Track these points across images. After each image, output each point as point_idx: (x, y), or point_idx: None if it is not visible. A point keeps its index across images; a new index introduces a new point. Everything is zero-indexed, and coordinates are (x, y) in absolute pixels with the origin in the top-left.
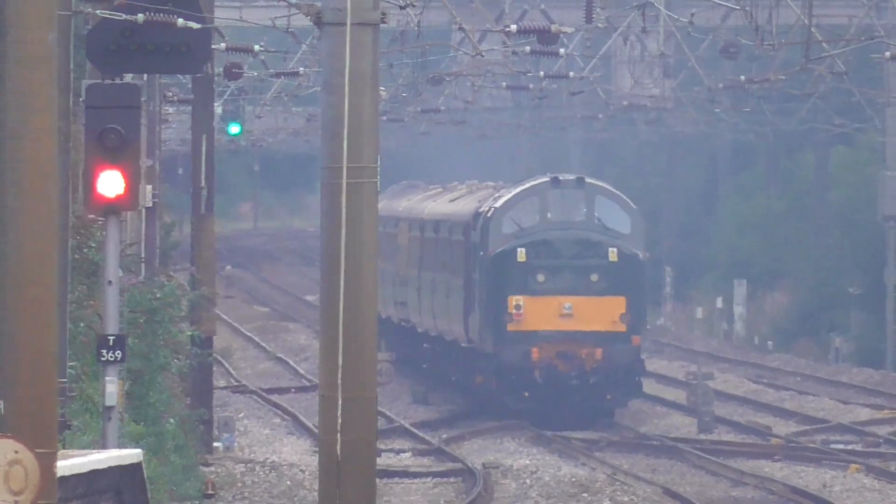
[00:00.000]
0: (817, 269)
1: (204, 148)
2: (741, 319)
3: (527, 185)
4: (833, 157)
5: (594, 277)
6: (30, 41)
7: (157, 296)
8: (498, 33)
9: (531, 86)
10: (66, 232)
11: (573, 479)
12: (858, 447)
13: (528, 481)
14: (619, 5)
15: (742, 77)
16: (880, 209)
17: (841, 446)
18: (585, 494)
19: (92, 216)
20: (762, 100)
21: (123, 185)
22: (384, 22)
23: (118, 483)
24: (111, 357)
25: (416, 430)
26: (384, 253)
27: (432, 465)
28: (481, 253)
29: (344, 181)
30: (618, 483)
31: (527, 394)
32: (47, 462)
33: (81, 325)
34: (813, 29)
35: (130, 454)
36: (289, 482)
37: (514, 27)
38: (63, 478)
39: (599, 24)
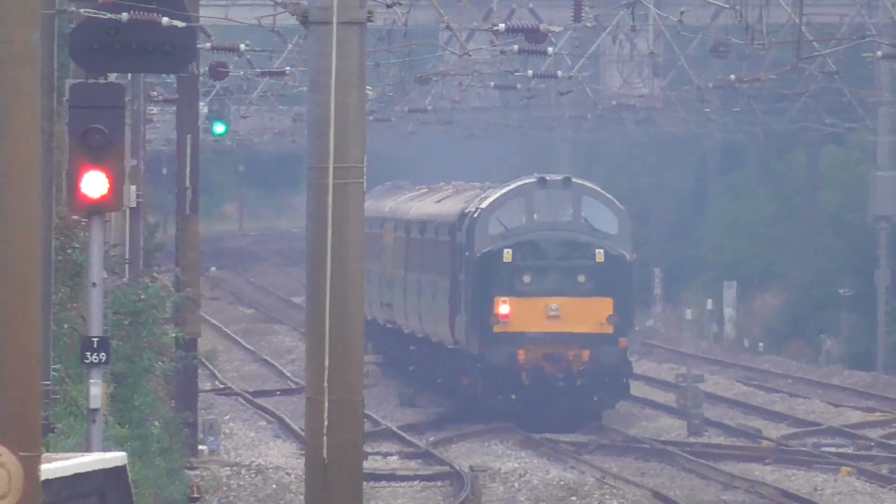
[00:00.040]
0: (808, 271)
1: (189, 148)
2: (731, 321)
3: (513, 186)
4: (824, 157)
5: (581, 278)
6: (13, 40)
7: (142, 297)
8: (486, 32)
9: (519, 85)
10: (49, 233)
11: (562, 483)
12: (850, 450)
13: (516, 485)
14: (607, 4)
15: (732, 76)
16: (871, 210)
17: (832, 449)
18: (574, 498)
19: (75, 217)
20: (752, 99)
21: (107, 185)
22: (371, 21)
23: (102, 486)
24: (95, 359)
25: (403, 433)
26: (370, 254)
27: (419, 468)
28: (467, 254)
29: (330, 181)
30: (607, 487)
31: (513, 396)
32: (31, 465)
33: (65, 326)
34: (804, 28)
35: (115, 457)
36: (275, 486)
37: (502, 26)
38: (47, 481)
39: (588, 23)
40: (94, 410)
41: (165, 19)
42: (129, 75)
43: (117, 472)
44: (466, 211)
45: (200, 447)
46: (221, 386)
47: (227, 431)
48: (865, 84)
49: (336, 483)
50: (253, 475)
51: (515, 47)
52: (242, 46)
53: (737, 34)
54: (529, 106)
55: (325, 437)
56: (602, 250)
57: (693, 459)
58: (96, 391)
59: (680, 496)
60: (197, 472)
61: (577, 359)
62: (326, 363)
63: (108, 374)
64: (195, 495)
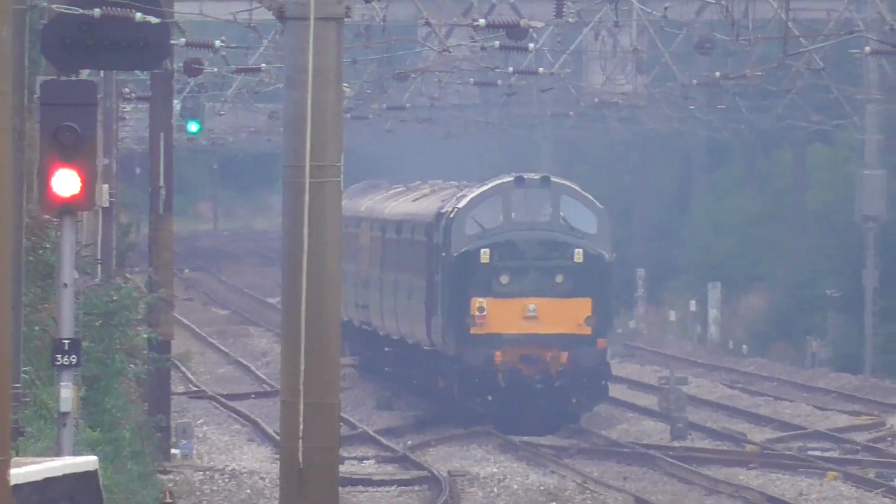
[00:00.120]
0: (794, 271)
1: (162, 146)
2: (715, 323)
3: (490, 185)
4: (810, 155)
5: (559, 279)
6: None
7: (114, 298)
8: (466, 28)
9: (500, 82)
10: (19, 233)
11: (542, 488)
12: (836, 454)
13: (495, 490)
14: None
15: (717, 73)
16: (859, 209)
17: (818, 453)
18: (555, 503)
19: (47, 216)
20: (738, 96)
21: (79, 184)
22: (348, 16)
23: (73, 491)
24: (66, 361)
25: (380, 437)
26: (345, 254)
27: (397, 472)
28: (444, 254)
29: (307, 180)
30: (588, 491)
31: (490, 398)
32: (0, 470)
33: (36, 328)
34: (790, 23)
35: (86, 461)
36: (249, 490)
37: (482, 21)
38: (16, 486)
39: (570, 19)
40: (65, 414)
41: (139, 15)
42: (102, 72)
43: (88, 477)
44: (443, 210)
45: (173, 451)
46: (195, 389)
47: (201, 435)
48: (853, 81)
49: (312, 488)
50: (227, 480)
51: (496, 43)
52: (217, 43)
53: (722, 30)
54: (510, 103)
55: (300, 441)
56: (581, 250)
57: (676, 464)
58: (67, 394)
59: (662, 501)
60: (170, 476)
61: (554, 360)
62: (302, 365)
63: (79, 376)
64: (168, 500)
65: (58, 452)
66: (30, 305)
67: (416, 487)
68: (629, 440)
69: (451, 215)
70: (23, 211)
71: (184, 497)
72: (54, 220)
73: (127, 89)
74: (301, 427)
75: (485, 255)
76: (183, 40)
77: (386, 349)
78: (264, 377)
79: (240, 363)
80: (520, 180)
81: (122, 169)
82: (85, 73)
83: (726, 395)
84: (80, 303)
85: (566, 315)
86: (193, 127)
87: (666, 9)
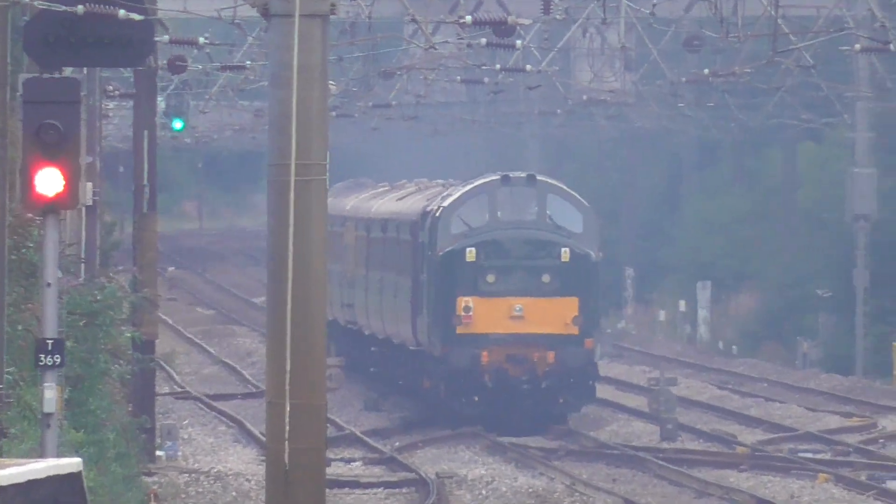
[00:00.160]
0: (784, 271)
1: (146, 144)
2: (705, 323)
3: (476, 184)
4: (801, 153)
5: (546, 278)
6: None
7: (98, 298)
8: (452, 25)
9: (486, 79)
10: (2, 231)
11: (530, 490)
12: (827, 456)
13: (483, 492)
14: None
15: (706, 70)
16: (849, 208)
17: (809, 455)
18: None
19: (30, 215)
20: (727, 94)
21: (62, 182)
22: (334, 13)
23: (57, 493)
24: (50, 362)
25: (367, 439)
26: (331, 253)
27: (384, 474)
28: (429, 253)
29: (292, 178)
30: (577, 493)
31: (476, 398)
32: None
33: (19, 328)
34: (780, 20)
35: (70, 463)
36: (234, 493)
37: (468, 18)
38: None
39: (557, 16)
40: (49, 415)
41: (122, 12)
42: (85, 69)
43: (72, 479)
44: (429, 209)
45: (158, 453)
46: (179, 389)
47: (186, 437)
48: (843, 78)
49: (298, 490)
50: (212, 482)
51: (483, 40)
52: (201, 40)
53: (711, 27)
54: (497, 101)
55: (286, 443)
56: (567, 249)
57: (666, 466)
58: (51, 395)
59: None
60: (154, 478)
61: (541, 360)
62: (288, 366)
63: (63, 377)
64: (153, 502)
65: (41, 454)
66: (13, 305)
67: (403, 490)
68: (618, 442)
69: (437, 214)
70: (5, 210)
71: (169, 499)
72: (37, 218)
73: (110, 87)
74: (287, 428)
75: (471, 254)
76: (167, 37)
77: (372, 349)
78: (250, 378)
79: (225, 363)
80: (506, 179)
81: (105, 167)
82: (68, 71)
83: (716, 396)
84: (64, 302)
85: (553, 315)
86: (178, 124)
87: (654, 6)
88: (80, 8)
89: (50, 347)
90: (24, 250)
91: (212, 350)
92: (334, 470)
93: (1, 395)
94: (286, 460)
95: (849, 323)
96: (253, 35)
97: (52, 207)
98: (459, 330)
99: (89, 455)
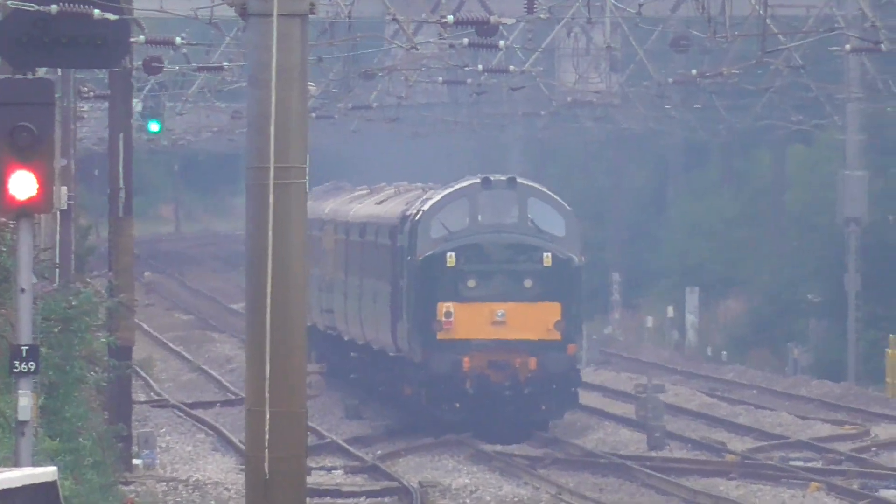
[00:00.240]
0: (774, 276)
1: (122, 147)
2: (693, 329)
3: (456, 187)
4: (790, 156)
5: (527, 283)
6: None
7: (73, 303)
8: (434, 25)
9: (469, 80)
10: None
11: (515, 499)
12: (819, 464)
13: (467, 501)
14: None
15: (693, 71)
16: (840, 211)
17: (800, 463)
18: None
19: (3, 219)
20: (715, 95)
21: (36, 186)
22: (313, 12)
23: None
24: (24, 368)
25: (348, 447)
26: (309, 257)
27: (366, 483)
28: (409, 258)
29: (271, 182)
30: (563, 503)
31: (458, 405)
32: None
33: None
34: (768, 20)
35: (45, 472)
36: (213, 502)
37: (450, 18)
38: None
39: (541, 15)
40: (23, 423)
41: (97, 11)
42: (59, 70)
43: (48, 488)
44: (408, 213)
45: (135, 461)
46: (157, 397)
47: (164, 445)
48: (833, 79)
49: (278, 499)
50: (190, 491)
51: (465, 41)
52: (178, 40)
53: (698, 27)
54: (480, 102)
55: (266, 451)
56: (549, 254)
57: (654, 474)
58: (25, 402)
59: None
60: (131, 487)
61: (523, 366)
62: (267, 373)
63: (37, 384)
64: None
65: (16, 463)
66: None
67: (385, 499)
68: (605, 450)
69: (416, 218)
70: None
71: None
72: (11, 223)
73: (85, 88)
74: (267, 436)
75: (451, 258)
76: (142, 37)
77: (351, 355)
78: (229, 385)
79: (203, 370)
80: (486, 182)
81: (80, 170)
82: (41, 72)
83: (705, 403)
84: (39, 308)
85: (535, 320)
86: (154, 127)
87: (640, 5)
88: (53, 7)
89: (24, 354)
90: None
91: (189, 356)
92: (315, 479)
93: None
94: (266, 469)
95: (840, 328)
96: (231, 35)
97: (25, 211)
98: (440, 336)
99: (65, 464)
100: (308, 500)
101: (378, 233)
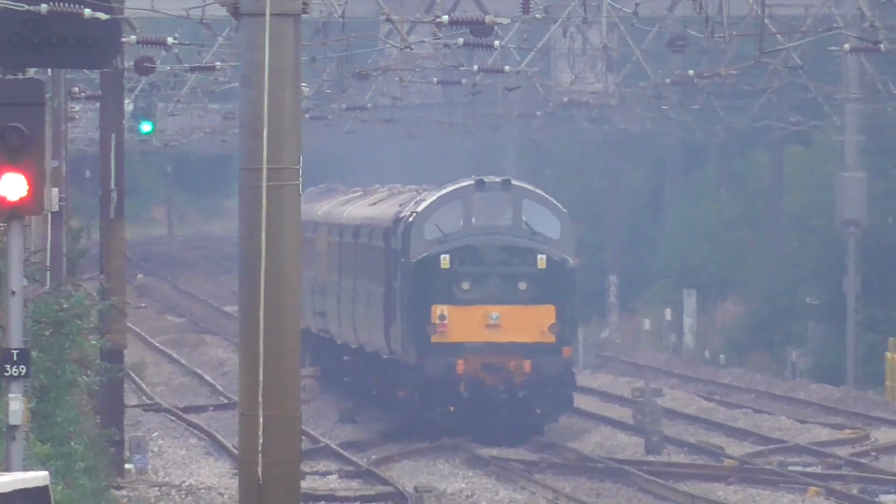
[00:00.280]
0: (772, 278)
1: (113, 148)
2: (691, 332)
3: (450, 189)
4: (788, 157)
5: (522, 285)
6: None
7: (64, 306)
8: (428, 24)
9: (464, 81)
10: None
11: None
12: (818, 469)
13: None
14: None
15: (691, 71)
16: (839, 213)
17: (799, 468)
18: None
19: None
20: (712, 96)
21: (27, 187)
22: (306, 12)
23: None
24: (15, 372)
25: (343, 451)
26: (303, 260)
27: (361, 488)
28: (402, 260)
29: (264, 183)
30: None
31: (452, 408)
32: None
33: None
34: (766, 20)
35: (36, 477)
36: None
37: (445, 18)
38: None
39: (537, 15)
40: (14, 427)
41: (88, 11)
42: (50, 70)
43: (39, 493)
44: (401, 215)
45: (127, 466)
46: (149, 401)
47: (156, 449)
48: (832, 80)
49: None
50: (183, 496)
51: (460, 40)
52: (170, 40)
53: (695, 26)
54: (475, 103)
55: (259, 456)
56: (543, 256)
57: (651, 479)
58: (16, 406)
59: None
60: (124, 492)
61: (518, 369)
62: (261, 376)
63: (28, 387)
64: None
65: (7, 467)
66: None
67: None
68: (602, 455)
69: (410, 220)
70: None
71: None
72: (1, 225)
73: (76, 88)
74: (260, 441)
75: (445, 260)
76: (134, 37)
77: (345, 358)
78: (222, 388)
79: (196, 374)
80: (480, 184)
81: (71, 171)
82: (32, 72)
83: (703, 407)
84: (30, 311)
85: (530, 323)
86: (146, 127)
87: (637, 4)
88: (43, 7)
89: (15, 357)
90: None
91: (182, 360)
92: (309, 483)
93: None
94: (259, 474)
95: (839, 331)
96: (223, 35)
97: (16, 213)
98: (434, 338)
99: (56, 468)
100: None
101: (372, 235)
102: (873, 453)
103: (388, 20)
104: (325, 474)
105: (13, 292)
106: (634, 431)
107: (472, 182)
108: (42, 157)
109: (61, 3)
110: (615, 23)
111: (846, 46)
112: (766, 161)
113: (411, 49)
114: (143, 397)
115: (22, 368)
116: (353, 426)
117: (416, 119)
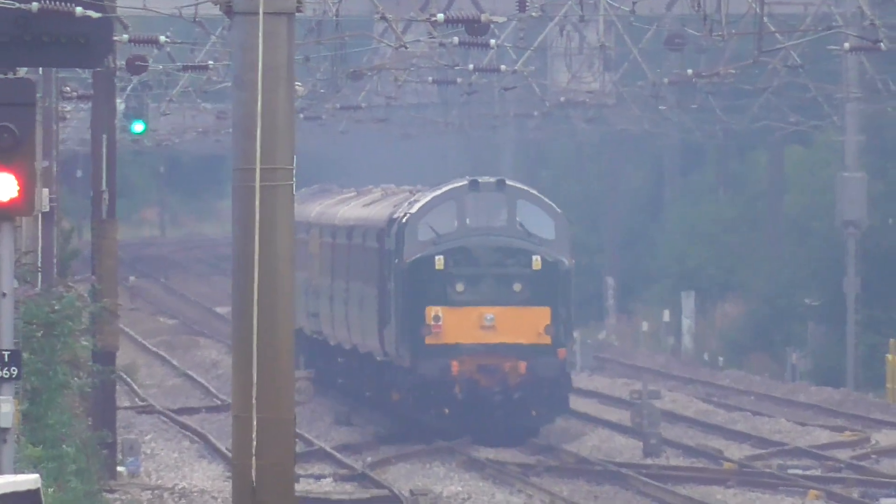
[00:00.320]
0: (771, 279)
1: (105, 148)
2: (690, 333)
3: (444, 190)
4: (788, 157)
5: (517, 287)
6: None
7: (56, 308)
8: (423, 23)
9: (459, 80)
10: None
11: None
12: (818, 472)
13: None
14: None
15: (689, 71)
16: (839, 214)
17: (799, 471)
18: None
19: None
20: (711, 95)
21: (17, 188)
22: (300, 10)
23: None
24: (6, 374)
25: (337, 454)
26: (296, 261)
27: (356, 491)
28: (396, 261)
29: (257, 184)
30: None
31: (447, 410)
32: None
33: None
34: (766, 19)
35: (28, 480)
36: None
37: (440, 16)
38: None
39: (533, 13)
40: (5, 430)
41: (79, 9)
42: (40, 70)
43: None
44: (395, 216)
45: (119, 469)
46: (142, 403)
47: (148, 452)
48: (832, 79)
49: None
50: (176, 499)
51: (455, 39)
52: (162, 38)
53: (694, 25)
54: (470, 102)
55: (253, 458)
56: (538, 257)
57: (649, 482)
58: (7, 408)
59: None
60: (116, 495)
61: (513, 371)
62: (254, 378)
63: (19, 389)
64: None
65: None
66: None
67: None
68: (600, 457)
69: (404, 221)
70: None
71: None
72: None
73: (67, 88)
74: (254, 443)
75: (439, 262)
76: (126, 36)
77: (338, 360)
78: (215, 391)
79: (189, 376)
80: (474, 184)
81: (62, 172)
82: (22, 71)
83: (702, 409)
84: (20, 313)
85: (525, 324)
86: (138, 127)
87: (634, 3)
88: (34, 5)
89: (6, 359)
90: None
91: (175, 362)
92: (303, 486)
93: None
94: (253, 476)
95: (839, 333)
96: (216, 34)
97: (6, 214)
98: (428, 340)
99: (48, 471)
100: None
101: (365, 236)
102: (874, 456)
103: (383, 19)
104: (319, 477)
105: (4, 294)
106: (632, 434)
107: (466, 183)
108: (32, 157)
109: (52, 2)
110: (612, 21)
111: (846, 45)
112: (766, 161)
113: (406, 48)
114: (136, 399)
115: (13, 370)
116: (348, 429)
117: (411, 119)
